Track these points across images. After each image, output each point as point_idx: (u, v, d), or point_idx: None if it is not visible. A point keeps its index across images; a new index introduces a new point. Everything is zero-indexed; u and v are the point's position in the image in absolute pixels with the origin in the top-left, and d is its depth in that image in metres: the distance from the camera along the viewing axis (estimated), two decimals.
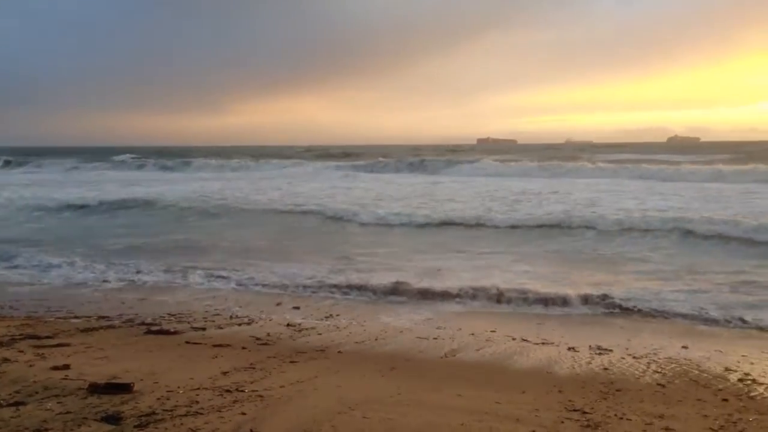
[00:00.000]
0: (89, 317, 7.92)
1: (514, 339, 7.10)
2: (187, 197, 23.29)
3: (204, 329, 7.41)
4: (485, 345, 6.86)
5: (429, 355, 6.50)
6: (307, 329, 7.47)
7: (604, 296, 8.87)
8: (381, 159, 49.31)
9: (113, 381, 5.01)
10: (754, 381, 5.62)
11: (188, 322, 7.73)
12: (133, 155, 64.24)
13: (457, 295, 9.33)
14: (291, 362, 5.99)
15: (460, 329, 7.55)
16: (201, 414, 4.42)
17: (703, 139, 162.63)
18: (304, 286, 10.10)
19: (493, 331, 7.44)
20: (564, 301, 8.86)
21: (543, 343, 6.94)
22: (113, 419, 4.27)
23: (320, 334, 7.28)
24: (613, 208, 18.26)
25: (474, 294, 9.34)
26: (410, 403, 4.85)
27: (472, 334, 7.31)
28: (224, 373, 5.47)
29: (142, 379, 5.13)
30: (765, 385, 5.48)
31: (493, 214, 17.53)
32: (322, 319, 8.04)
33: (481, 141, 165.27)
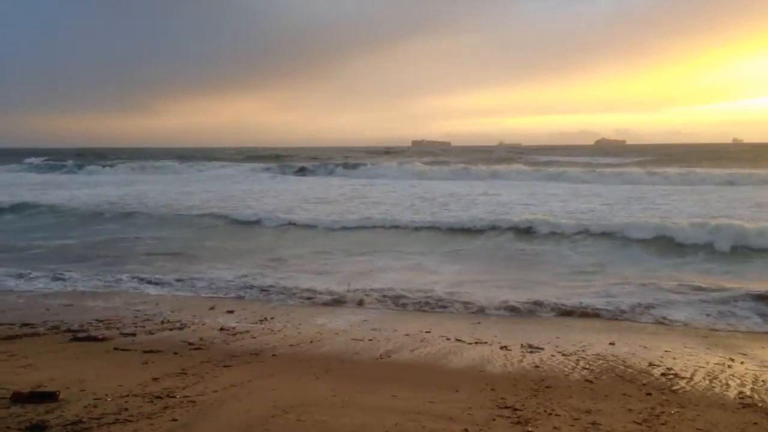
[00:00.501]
0: (12, 324, 7.62)
1: (448, 339, 7.18)
2: (98, 201, 22.70)
3: (134, 335, 7.23)
4: (420, 345, 6.91)
5: (364, 357, 6.51)
6: (241, 333, 7.38)
7: (536, 301, 9.05)
8: (309, 162, 48.58)
9: (38, 390, 4.84)
10: (676, 375, 5.84)
11: (117, 328, 7.53)
12: (46, 158, 60.96)
13: (386, 297, 9.42)
14: (224, 366, 5.91)
15: (396, 330, 7.59)
16: (130, 421, 4.31)
17: (629, 142, 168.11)
18: (238, 290, 10.00)
19: (428, 332, 7.50)
20: (494, 303, 9.01)
21: (477, 343, 7.04)
22: (38, 429, 4.13)
23: (255, 337, 7.20)
24: (536, 209, 18.76)
25: (401, 296, 9.43)
26: (345, 405, 4.85)
27: (408, 334, 7.36)
28: (155, 379, 5.35)
29: (68, 387, 4.98)
30: (686, 379, 5.70)
31: (421, 216, 17.70)
32: (256, 323, 7.95)
33: (415, 143, 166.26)
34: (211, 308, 8.78)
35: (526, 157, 57.66)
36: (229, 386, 5.24)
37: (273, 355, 6.47)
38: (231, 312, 8.54)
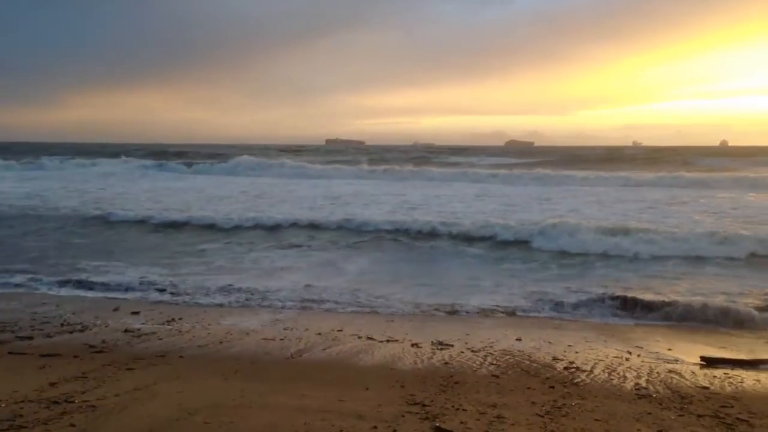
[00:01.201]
0: None
1: (360, 337, 7.20)
2: None
3: (31, 338, 6.89)
4: (332, 344, 6.90)
5: (275, 357, 6.44)
6: (146, 334, 7.15)
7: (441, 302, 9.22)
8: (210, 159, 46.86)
9: None
10: (577, 368, 6.06)
11: (12, 331, 7.15)
12: None
13: (295, 296, 9.39)
14: (128, 369, 5.72)
15: (307, 329, 7.54)
16: (25, 428, 4.12)
17: (537, 143, 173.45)
18: (144, 290, 9.70)
19: (340, 331, 7.50)
20: (403, 301, 9.11)
21: (388, 341, 7.08)
22: None
23: (161, 339, 6.99)
24: (439, 210, 19.05)
25: (311, 298, 9.43)
26: (253, 406, 4.78)
27: (319, 333, 7.33)
28: (52, 384, 5.12)
29: None
30: (587, 372, 5.93)
31: (315, 214, 17.57)
32: (163, 324, 7.73)
33: (329, 142, 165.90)
34: (115, 309, 8.46)
35: (438, 156, 58.59)
36: (132, 390, 5.07)
37: (180, 356, 6.31)
38: (136, 313, 8.26)
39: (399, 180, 34.11)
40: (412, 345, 6.88)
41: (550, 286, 10.06)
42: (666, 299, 8.91)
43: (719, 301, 8.78)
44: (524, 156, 62.41)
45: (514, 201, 22.03)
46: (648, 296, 9.15)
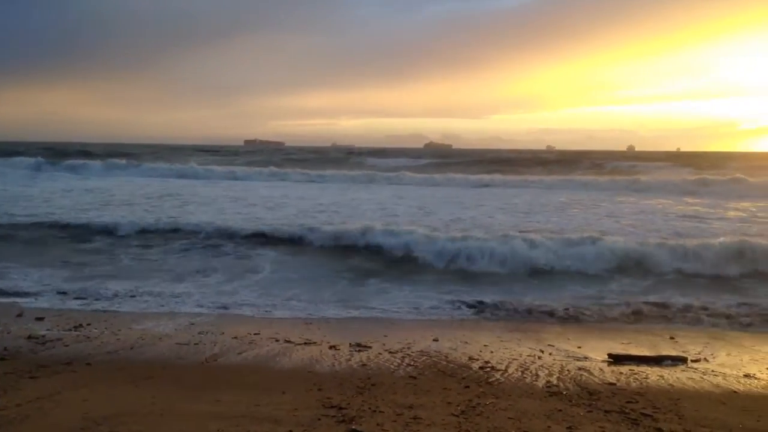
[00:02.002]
0: None
1: (277, 340, 7.11)
2: None
3: None
4: (248, 348, 6.78)
5: (189, 362, 6.28)
6: (52, 341, 6.84)
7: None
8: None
9: None
10: (492, 368, 6.17)
11: None
12: None
13: (206, 300, 9.20)
14: (31, 378, 5.44)
15: (223, 333, 7.39)
16: None
17: (455, 146, 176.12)
18: (50, 296, 9.29)
19: (257, 334, 7.38)
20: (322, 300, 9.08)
21: (306, 343, 7.03)
22: None
23: (67, 345, 6.70)
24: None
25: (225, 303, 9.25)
26: (165, 413, 4.64)
27: (235, 337, 7.20)
28: None
29: None
30: (501, 371, 6.05)
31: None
32: (70, 330, 7.40)
33: (248, 142, 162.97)
34: (19, 315, 8.06)
35: (351, 158, 58.71)
36: (34, 399, 4.83)
37: (87, 363, 6.05)
38: (41, 319, 7.88)
39: (309, 182, 33.95)
40: (330, 347, 6.85)
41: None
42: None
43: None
44: (442, 158, 63.12)
45: (426, 203, 22.13)
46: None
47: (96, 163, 40.71)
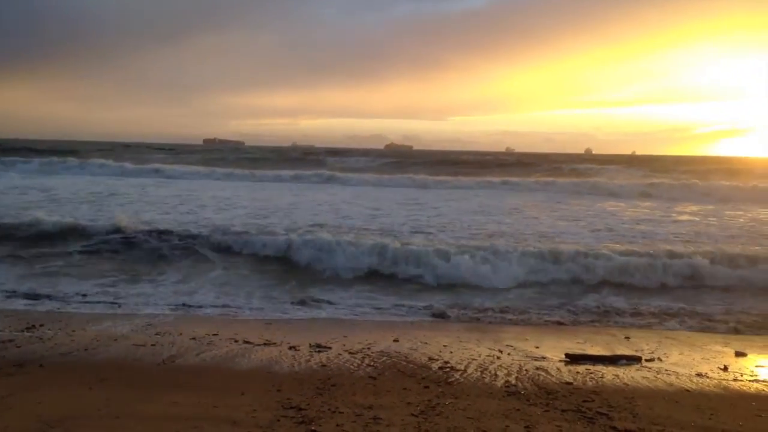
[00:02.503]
0: None
1: (236, 341, 7.04)
2: None
3: None
4: (206, 349, 6.70)
5: (145, 363, 6.17)
6: (3, 342, 6.65)
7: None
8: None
9: None
10: (452, 368, 6.21)
11: None
12: None
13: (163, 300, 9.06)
14: None
15: (181, 334, 7.29)
16: None
17: (415, 147, 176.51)
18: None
19: (216, 335, 7.30)
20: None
21: (266, 344, 6.97)
22: None
23: (19, 347, 6.53)
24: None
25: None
26: (120, 416, 4.56)
27: (194, 338, 7.11)
28: None
29: None
30: (460, 371, 6.10)
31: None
32: (22, 331, 7.21)
33: (207, 141, 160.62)
34: None
35: (307, 158, 58.55)
36: None
37: (40, 365, 5.91)
38: None
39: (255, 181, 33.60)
40: (290, 348, 6.81)
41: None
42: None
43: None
44: (403, 158, 63.33)
45: (381, 205, 21.88)
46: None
47: (39, 161, 39.74)
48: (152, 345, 6.79)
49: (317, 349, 6.79)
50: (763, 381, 6.07)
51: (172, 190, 26.15)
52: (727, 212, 22.05)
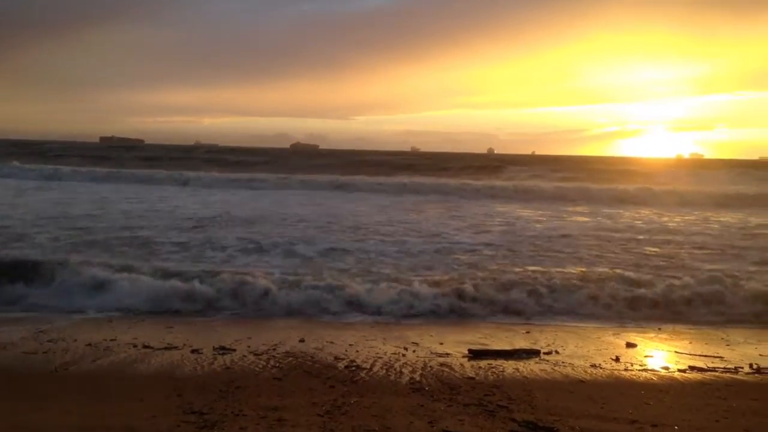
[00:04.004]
0: None
1: (135, 346, 6.80)
2: None
3: None
4: (103, 355, 6.45)
5: (36, 371, 5.88)
6: None
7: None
8: None
9: None
10: (358, 367, 6.24)
11: None
12: None
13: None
14: None
15: (76, 340, 6.98)
16: None
17: (321, 147, 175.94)
18: None
19: (113, 340, 7.03)
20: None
21: (167, 348, 6.78)
22: None
23: None
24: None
25: None
26: (7, 427, 4.32)
27: (89, 344, 6.82)
28: None
29: None
30: (366, 370, 6.13)
31: None
32: None
33: (104, 139, 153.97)
34: None
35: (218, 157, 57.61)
36: None
37: None
38: None
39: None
40: (192, 351, 6.65)
41: None
42: None
43: None
44: (310, 159, 63.10)
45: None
46: None
47: None
48: (44, 352, 6.47)
49: (221, 352, 6.66)
50: (651, 370, 6.42)
51: None
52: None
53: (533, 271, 11.19)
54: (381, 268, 11.31)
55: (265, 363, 6.30)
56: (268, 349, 6.80)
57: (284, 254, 12.39)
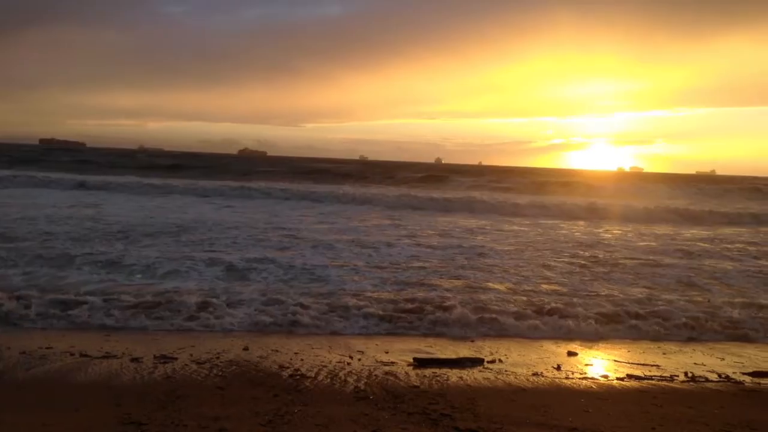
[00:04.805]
0: None
1: (72, 354, 6.60)
2: None
3: None
4: (38, 363, 6.23)
5: None
6: None
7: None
8: None
9: None
10: (302, 375, 6.19)
11: None
12: None
13: None
14: None
15: (9, 348, 6.73)
16: None
17: (270, 153, 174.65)
18: None
19: (49, 348, 6.81)
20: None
21: (105, 357, 6.60)
22: None
23: None
24: None
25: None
26: None
27: (24, 352, 6.58)
28: None
29: None
30: (310, 378, 6.09)
31: None
32: None
33: (44, 142, 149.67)
34: None
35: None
36: None
37: None
38: None
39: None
40: (132, 360, 6.49)
41: None
42: None
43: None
44: (260, 164, 62.66)
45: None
46: None
47: None
48: None
49: (162, 360, 6.52)
50: (591, 378, 6.57)
51: None
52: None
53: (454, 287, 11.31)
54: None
55: (207, 372, 6.20)
56: (211, 358, 6.69)
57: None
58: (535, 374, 6.61)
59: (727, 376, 6.82)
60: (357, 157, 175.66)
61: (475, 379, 6.35)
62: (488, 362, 7.02)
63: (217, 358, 6.72)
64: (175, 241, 14.50)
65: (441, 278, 11.68)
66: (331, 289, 10.39)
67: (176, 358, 6.62)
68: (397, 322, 8.78)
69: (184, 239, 14.89)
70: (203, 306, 8.87)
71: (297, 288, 10.35)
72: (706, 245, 18.20)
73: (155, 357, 6.63)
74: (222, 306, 8.93)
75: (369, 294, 10.05)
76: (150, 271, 11.20)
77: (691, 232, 22.47)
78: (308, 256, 13.17)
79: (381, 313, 8.98)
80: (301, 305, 9.08)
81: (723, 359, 7.63)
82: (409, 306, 9.39)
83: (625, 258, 15.00)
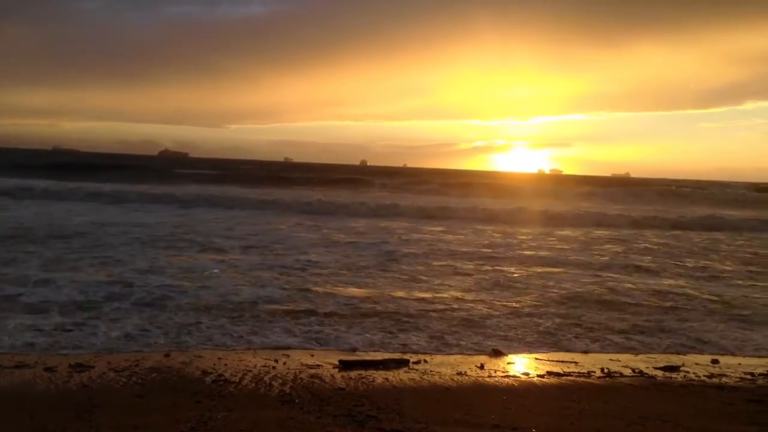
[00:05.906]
0: None
1: None
2: None
3: None
4: None
5: None
6: None
7: None
8: None
9: None
10: (226, 380, 6.08)
11: None
12: None
13: None
14: None
15: None
16: None
17: (192, 155, 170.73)
18: None
19: None
20: None
21: (17, 366, 6.31)
22: None
23: None
24: None
25: None
26: None
27: None
28: None
29: None
30: (234, 383, 5.99)
31: None
32: None
33: None
34: None
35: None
36: None
37: None
38: None
39: None
40: (46, 369, 6.23)
41: None
42: None
43: None
44: (182, 167, 61.24)
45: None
46: None
47: None
48: None
49: (78, 369, 6.28)
50: (513, 376, 6.73)
51: None
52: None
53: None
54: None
55: (126, 380, 6.01)
56: (130, 365, 6.49)
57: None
58: (459, 374, 6.72)
59: (641, 371, 7.11)
60: (282, 159, 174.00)
61: (400, 380, 6.40)
62: (413, 363, 7.09)
63: (137, 365, 6.53)
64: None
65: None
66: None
67: (93, 367, 6.39)
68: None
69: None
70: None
71: None
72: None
73: (70, 366, 6.39)
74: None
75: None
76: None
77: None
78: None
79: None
80: None
81: (637, 355, 7.96)
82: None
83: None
